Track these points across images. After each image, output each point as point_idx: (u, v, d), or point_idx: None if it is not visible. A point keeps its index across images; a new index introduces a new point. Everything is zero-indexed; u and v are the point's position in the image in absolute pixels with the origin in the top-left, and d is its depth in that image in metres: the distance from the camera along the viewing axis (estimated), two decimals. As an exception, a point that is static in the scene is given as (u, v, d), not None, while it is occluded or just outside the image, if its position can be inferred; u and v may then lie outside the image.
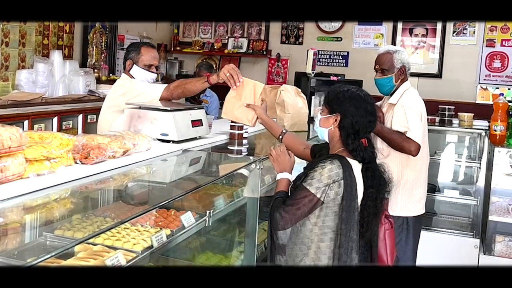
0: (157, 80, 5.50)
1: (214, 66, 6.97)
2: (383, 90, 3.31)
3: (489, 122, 4.39)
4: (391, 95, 3.31)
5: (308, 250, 2.26)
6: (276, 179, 2.44)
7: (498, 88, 5.91)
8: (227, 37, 6.97)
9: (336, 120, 2.30)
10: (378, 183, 2.29)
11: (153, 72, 3.32)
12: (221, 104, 6.06)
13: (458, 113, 4.90)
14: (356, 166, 2.27)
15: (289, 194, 2.35)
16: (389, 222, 2.45)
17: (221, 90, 6.16)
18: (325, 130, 2.36)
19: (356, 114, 2.27)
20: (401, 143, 3.12)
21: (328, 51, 6.53)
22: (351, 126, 2.27)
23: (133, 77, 3.28)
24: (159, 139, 2.68)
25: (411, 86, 3.37)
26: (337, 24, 6.49)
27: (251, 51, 6.77)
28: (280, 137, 2.79)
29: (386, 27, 6.31)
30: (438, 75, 6.14)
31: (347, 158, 2.26)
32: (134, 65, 3.28)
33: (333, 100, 2.33)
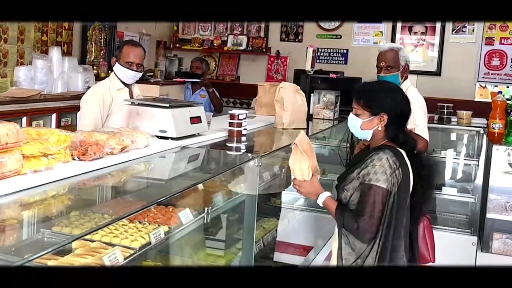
0: (149, 77, 5.52)
1: (214, 63, 6.96)
2: (388, 88, 3.31)
3: (487, 120, 4.39)
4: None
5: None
6: (320, 204, 2.36)
7: (496, 86, 5.91)
8: (226, 34, 6.96)
9: (381, 120, 2.33)
10: (429, 170, 2.35)
11: (133, 70, 3.42)
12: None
13: (457, 111, 4.91)
14: (404, 154, 2.31)
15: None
16: (427, 219, 2.47)
17: (221, 87, 6.17)
18: (369, 131, 2.36)
19: (398, 106, 2.34)
20: None
21: (327, 48, 6.52)
22: (396, 119, 2.32)
23: (116, 74, 3.43)
24: (157, 136, 2.68)
25: (411, 84, 3.38)
26: (336, 22, 6.48)
27: (250, 48, 6.75)
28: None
29: (385, 25, 6.30)
30: (437, 73, 6.13)
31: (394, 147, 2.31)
32: (117, 62, 3.43)
33: (373, 102, 2.34)
